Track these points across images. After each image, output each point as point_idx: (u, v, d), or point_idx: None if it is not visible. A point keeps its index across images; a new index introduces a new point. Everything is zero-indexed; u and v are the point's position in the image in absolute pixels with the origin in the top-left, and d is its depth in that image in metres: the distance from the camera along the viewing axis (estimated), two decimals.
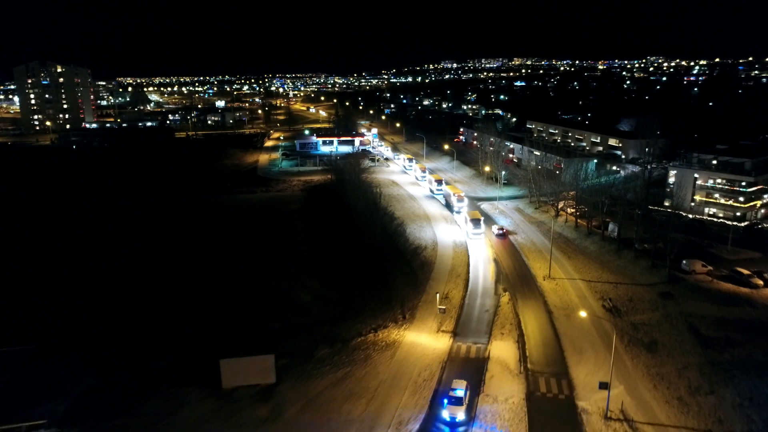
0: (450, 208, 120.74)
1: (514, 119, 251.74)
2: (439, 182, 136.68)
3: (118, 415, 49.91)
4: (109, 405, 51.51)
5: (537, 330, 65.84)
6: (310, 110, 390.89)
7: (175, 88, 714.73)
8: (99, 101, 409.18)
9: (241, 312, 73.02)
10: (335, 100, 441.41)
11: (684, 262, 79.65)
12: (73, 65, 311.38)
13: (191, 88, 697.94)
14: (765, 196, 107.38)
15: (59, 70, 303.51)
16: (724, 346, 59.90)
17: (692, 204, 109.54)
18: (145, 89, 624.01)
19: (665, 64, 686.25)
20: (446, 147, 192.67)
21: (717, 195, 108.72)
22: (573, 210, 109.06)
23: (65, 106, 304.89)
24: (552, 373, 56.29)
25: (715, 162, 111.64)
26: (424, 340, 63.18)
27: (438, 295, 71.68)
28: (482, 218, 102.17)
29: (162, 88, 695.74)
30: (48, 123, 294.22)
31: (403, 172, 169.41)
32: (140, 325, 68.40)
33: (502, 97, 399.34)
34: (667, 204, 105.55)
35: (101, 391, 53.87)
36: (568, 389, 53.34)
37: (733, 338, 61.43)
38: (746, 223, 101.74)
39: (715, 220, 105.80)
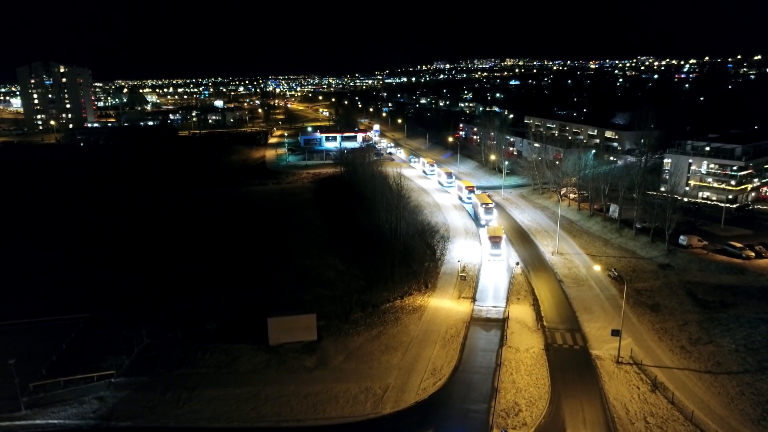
0: (477, 220, 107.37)
1: (511, 115, 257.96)
2: (471, 190, 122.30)
3: (179, 367, 55.35)
4: (170, 359, 56.87)
5: (550, 295, 71.97)
6: (321, 112, 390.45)
7: (170, 90, 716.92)
8: (96, 102, 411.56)
9: (272, 286, 78.21)
10: (333, 100, 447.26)
11: (681, 237, 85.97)
12: (75, 65, 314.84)
13: (186, 90, 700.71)
14: (755, 179, 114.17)
15: (62, 70, 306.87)
16: (719, 307, 66.28)
17: (687, 188, 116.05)
18: (141, 91, 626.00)
19: (656, 63, 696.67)
20: (450, 140, 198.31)
21: (710, 179, 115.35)
22: (575, 195, 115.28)
23: (68, 106, 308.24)
24: (566, 329, 62.47)
25: (708, 149, 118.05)
26: (447, 304, 69.12)
27: (459, 263, 77.67)
28: (503, 236, 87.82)
29: (157, 90, 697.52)
30: (52, 122, 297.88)
31: (423, 176, 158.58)
32: (184, 296, 73.50)
33: (498, 95, 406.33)
34: (663, 189, 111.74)
35: (160, 348, 59.17)
36: (582, 341, 59.48)
37: (727, 301, 67.80)
38: (737, 204, 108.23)
39: (709, 202, 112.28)
